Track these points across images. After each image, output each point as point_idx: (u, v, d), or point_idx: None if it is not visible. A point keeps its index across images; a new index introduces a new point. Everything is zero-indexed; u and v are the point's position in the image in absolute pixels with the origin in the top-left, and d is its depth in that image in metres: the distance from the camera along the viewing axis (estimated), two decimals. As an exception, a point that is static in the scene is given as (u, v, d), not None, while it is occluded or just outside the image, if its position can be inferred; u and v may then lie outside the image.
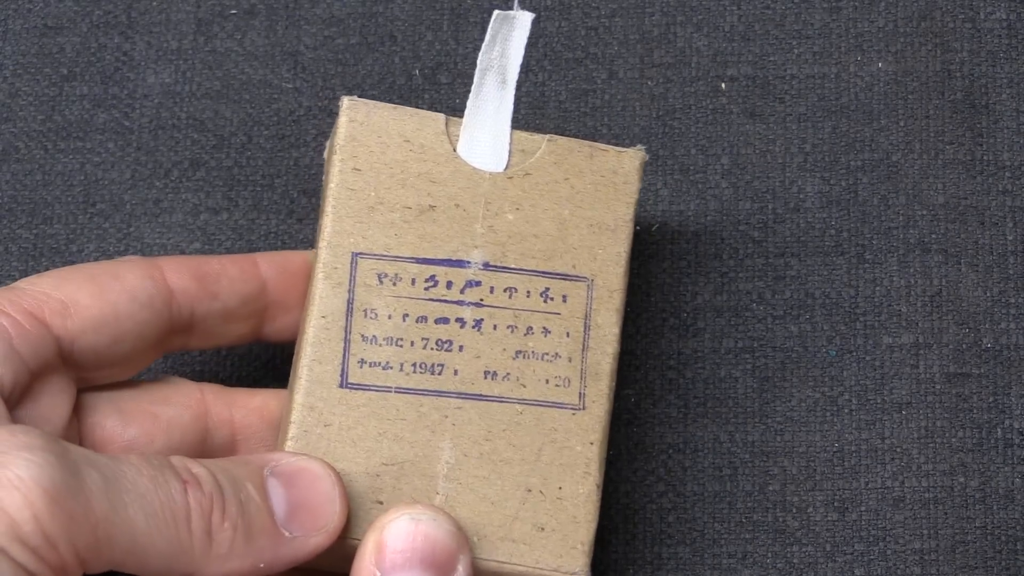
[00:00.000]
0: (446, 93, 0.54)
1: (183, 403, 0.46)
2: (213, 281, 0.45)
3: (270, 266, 0.46)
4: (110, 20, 0.55)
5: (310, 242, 0.52)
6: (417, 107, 0.54)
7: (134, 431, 0.45)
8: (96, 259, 0.52)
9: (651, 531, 0.50)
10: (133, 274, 0.44)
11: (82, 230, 0.53)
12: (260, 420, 0.46)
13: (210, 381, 0.51)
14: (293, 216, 0.53)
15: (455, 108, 0.53)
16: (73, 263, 0.52)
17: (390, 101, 0.54)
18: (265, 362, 0.52)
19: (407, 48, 0.54)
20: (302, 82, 0.54)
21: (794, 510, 0.50)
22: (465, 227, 0.45)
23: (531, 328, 0.45)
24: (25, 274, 0.52)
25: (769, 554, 0.50)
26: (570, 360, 0.45)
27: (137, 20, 0.54)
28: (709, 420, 0.51)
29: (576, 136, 0.53)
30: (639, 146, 0.46)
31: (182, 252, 0.52)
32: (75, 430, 0.44)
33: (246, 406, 0.46)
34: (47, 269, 0.52)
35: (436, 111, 0.54)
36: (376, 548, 0.42)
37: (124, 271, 0.44)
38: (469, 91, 0.54)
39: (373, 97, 0.54)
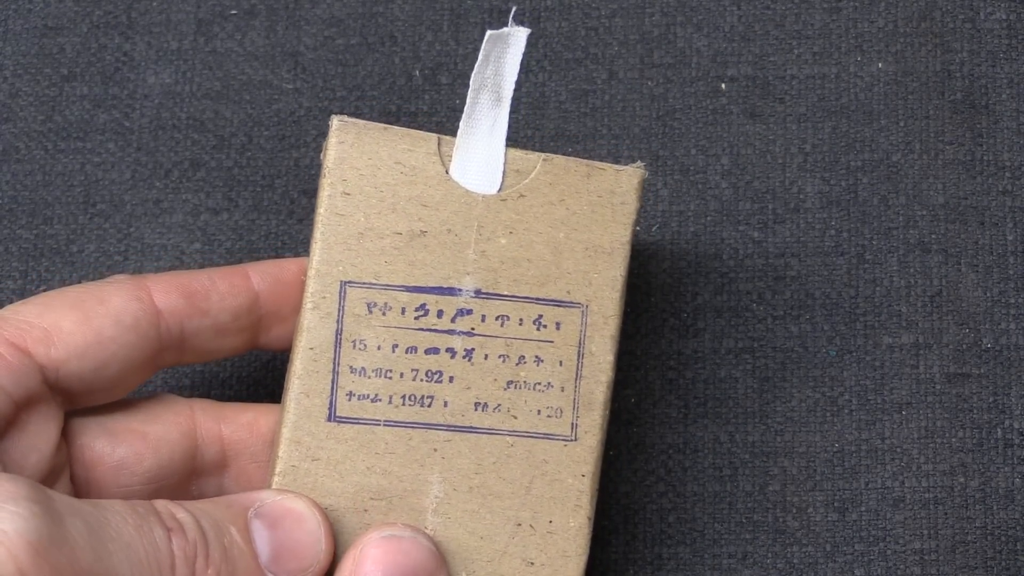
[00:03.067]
0: (446, 93, 0.54)
1: (171, 420, 0.45)
2: (202, 298, 0.45)
3: (262, 277, 0.46)
4: (110, 20, 0.55)
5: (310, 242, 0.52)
6: (417, 107, 0.54)
7: (123, 451, 0.44)
8: (96, 259, 0.52)
9: (651, 531, 0.50)
10: (119, 296, 0.44)
11: (82, 230, 0.53)
12: (250, 435, 0.46)
13: (208, 383, 0.51)
14: (293, 216, 0.53)
15: (455, 108, 0.53)
16: (73, 263, 0.52)
17: (390, 101, 0.54)
18: (265, 362, 0.52)
19: (407, 48, 0.54)
20: (302, 82, 0.54)
21: (794, 510, 0.50)
22: (457, 253, 0.44)
23: (523, 357, 0.44)
24: (25, 274, 0.52)
25: (769, 554, 0.50)
26: (563, 390, 0.44)
27: (137, 20, 0.54)
28: (709, 420, 0.51)
29: (575, 137, 0.53)
30: (639, 163, 0.45)
31: (182, 252, 0.52)
32: (64, 453, 0.44)
33: (236, 421, 0.46)
34: (47, 269, 0.52)
35: (436, 111, 0.54)
36: (355, 562, 0.42)
37: (109, 294, 0.44)
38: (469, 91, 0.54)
39: (373, 98, 0.54)
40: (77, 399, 0.44)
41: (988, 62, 0.54)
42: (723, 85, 0.54)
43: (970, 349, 0.51)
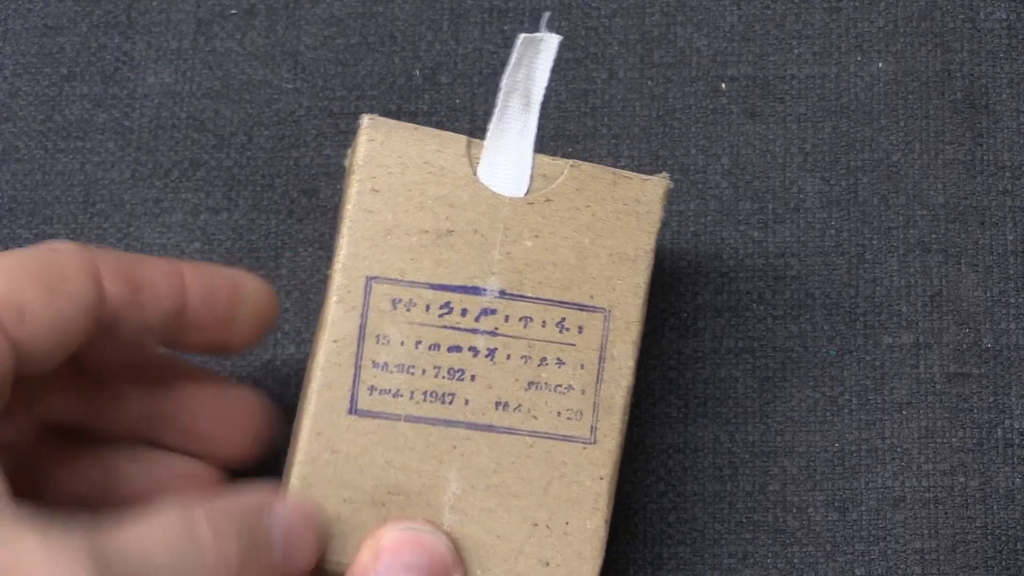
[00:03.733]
0: (446, 93, 0.54)
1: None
2: (147, 294, 0.43)
3: (197, 283, 0.44)
4: (110, 20, 0.55)
5: (310, 242, 0.52)
6: (417, 107, 0.54)
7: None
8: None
9: (651, 531, 0.50)
10: (77, 275, 0.41)
11: (82, 230, 0.53)
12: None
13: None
14: (293, 216, 0.53)
15: (455, 108, 0.53)
16: (73, 263, 0.52)
17: (390, 101, 0.54)
18: (266, 362, 0.52)
19: (407, 48, 0.54)
20: (302, 82, 0.54)
21: (794, 510, 0.50)
22: (482, 253, 0.44)
23: (545, 359, 0.44)
24: (25, 274, 0.52)
25: (769, 554, 0.50)
26: (583, 393, 0.44)
27: (137, 20, 0.54)
28: (709, 420, 0.51)
29: (575, 137, 0.53)
30: (664, 173, 0.46)
31: (182, 252, 0.52)
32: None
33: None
34: (47, 269, 0.52)
35: (436, 111, 0.54)
36: (373, 554, 0.42)
37: (67, 268, 0.41)
38: (469, 92, 0.54)
39: (373, 98, 0.54)
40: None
41: (988, 62, 0.54)
42: (723, 85, 0.54)
43: (970, 349, 0.51)
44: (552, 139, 0.53)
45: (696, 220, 0.53)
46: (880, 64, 0.54)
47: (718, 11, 0.54)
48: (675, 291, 0.52)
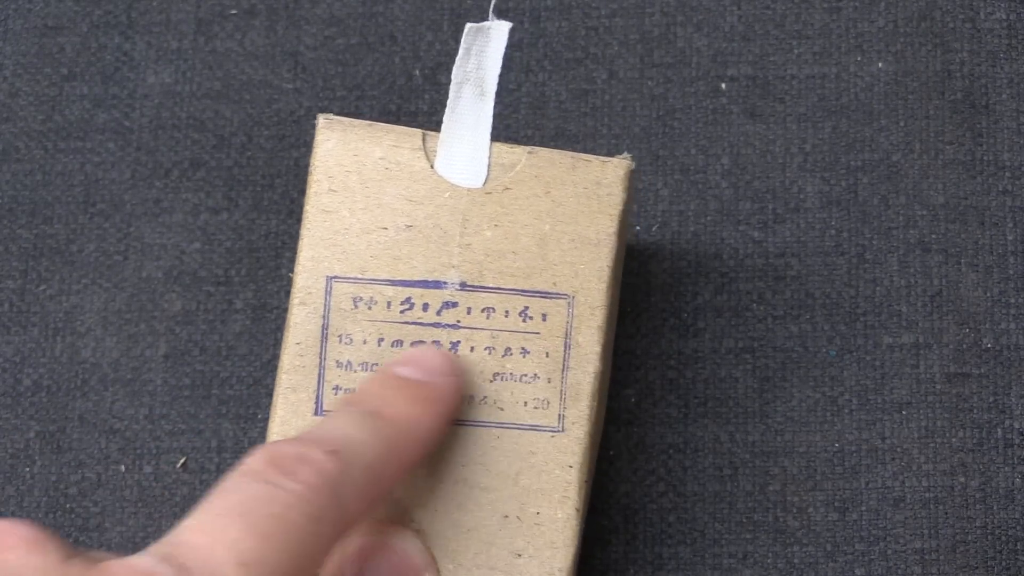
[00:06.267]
0: (446, 93, 0.54)
1: None
2: None
3: None
4: (110, 20, 0.55)
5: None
6: (417, 107, 0.54)
7: None
8: (96, 259, 0.52)
9: (651, 531, 0.50)
10: None
11: (82, 230, 0.53)
12: None
13: (208, 383, 0.51)
14: (293, 216, 0.53)
15: (455, 108, 0.53)
16: (73, 263, 0.52)
17: (390, 101, 0.54)
18: (266, 362, 0.52)
19: (407, 48, 0.54)
20: (302, 82, 0.54)
21: (794, 510, 0.50)
22: (442, 246, 0.44)
23: (509, 349, 0.44)
24: (25, 274, 0.52)
25: (770, 554, 0.50)
26: (549, 381, 0.44)
27: (137, 20, 0.54)
28: (709, 420, 0.51)
29: (575, 136, 0.53)
30: (625, 154, 0.45)
31: (182, 252, 0.52)
32: None
33: None
34: (47, 269, 0.52)
35: (436, 111, 0.54)
36: (341, 557, 0.42)
37: None
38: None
39: (373, 98, 0.54)
40: None
41: (988, 62, 0.54)
42: (723, 85, 0.54)
43: (970, 349, 0.51)
44: (552, 139, 0.53)
45: (696, 220, 0.53)
46: (880, 64, 0.54)
47: (718, 11, 0.54)
48: (675, 291, 0.52)
